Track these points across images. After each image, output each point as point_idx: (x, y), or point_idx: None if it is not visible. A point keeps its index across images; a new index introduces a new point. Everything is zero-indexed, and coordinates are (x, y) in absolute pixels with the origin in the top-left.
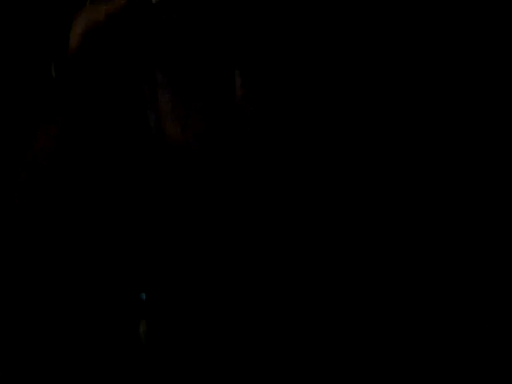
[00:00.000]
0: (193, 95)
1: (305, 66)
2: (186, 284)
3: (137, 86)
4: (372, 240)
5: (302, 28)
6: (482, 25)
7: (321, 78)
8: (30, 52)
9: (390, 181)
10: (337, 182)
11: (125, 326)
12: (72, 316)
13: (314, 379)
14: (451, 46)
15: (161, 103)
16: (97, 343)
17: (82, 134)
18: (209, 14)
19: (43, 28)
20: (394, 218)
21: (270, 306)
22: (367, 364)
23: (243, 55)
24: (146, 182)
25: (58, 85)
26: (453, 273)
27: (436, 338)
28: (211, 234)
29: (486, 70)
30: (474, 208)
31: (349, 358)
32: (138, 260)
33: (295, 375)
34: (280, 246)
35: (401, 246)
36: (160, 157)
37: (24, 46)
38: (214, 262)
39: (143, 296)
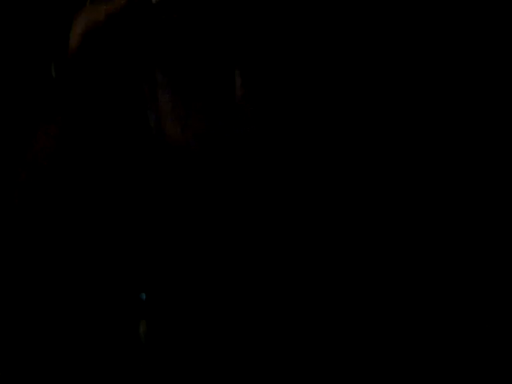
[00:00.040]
0: (193, 95)
1: (304, 66)
2: (186, 284)
3: (137, 86)
4: (372, 239)
5: (301, 28)
6: (482, 25)
7: (321, 78)
8: (30, 52)
9: (389, 180)
10: (336, 182)
11: (125, 325)
12: (72, 316)
13: (315, 379)
14: (451, 46)
15: (161, 103)
16: (97, 343)
17: (82, 134)
18: (208, 13)
19: (43, 28)
20: (394, 217)
21: (270, 306)
22: (367, 364)
23: (243, 55)
24: (146, 182)
25: (58, 84)
26: (452, 272)
27: (436, 337)
28: (211, 233)
29: (486, 70)
30: (474, 207)
31: (349, 358)
32: (138, 260)
33: (295, 375)
34: (280, 245)
35: (400, 245)
36: (160, 156)
37: (24, 47)
38: (213, 261)
39: (143, 296)
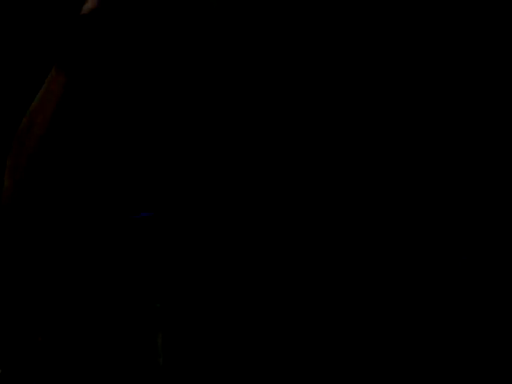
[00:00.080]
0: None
1: (303, 66)
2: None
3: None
4: (371, 239)
5: (297, 28)
6: (482, 25)
7: (317, 78)
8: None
9: (387, 180)
10: (335, 181)
11: (141, 337)
12: (88, 327)
13: (315, 379)
14: (450, 46)
15: None
16: (113, 354)
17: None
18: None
19: None
20: (393, 217)
21: (277, 311)
22: (367, 364)
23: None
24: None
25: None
26: (452, 272)
27: (435, 337)
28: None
29: (486, 70)
30: (474, 207)
31: (348, 358)
32: (152, 271)
33: (300, 376)
34: (280, 247)
35: (399, 245)
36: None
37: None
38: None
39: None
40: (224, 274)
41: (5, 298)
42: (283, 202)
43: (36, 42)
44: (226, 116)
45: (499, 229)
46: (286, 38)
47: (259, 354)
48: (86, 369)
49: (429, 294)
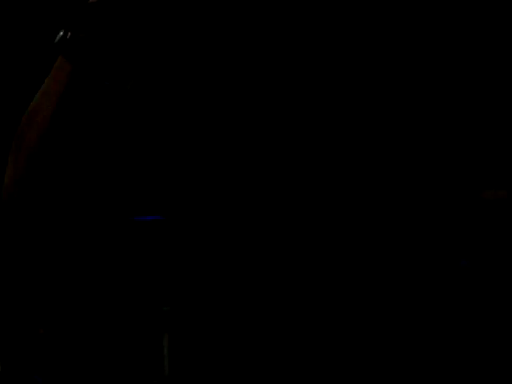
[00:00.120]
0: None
1: (301, 66)
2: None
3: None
4: (369, 239)
5: (297, 28)
6: (482, 25)
7: (316, 79)
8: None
9: (387, 181)
10: (333, 182)
11: (147, 339)
12: (94, 328)
13: (315, 379)
14: (450, 46)
15: None
16: (119, 355)
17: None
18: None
19: None
20: (392, 217)
21: (288, 318)
22: (366, 363)
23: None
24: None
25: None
26: (452, 272)
27: (434, 337)
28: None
29: (485, 70)
30: (473, 207)
31: (348, 358)
32: (160, 273)
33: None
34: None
35: (398, 245)
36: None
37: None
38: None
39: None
40: (229, 278)
41: (6, 296)
42: (284, 203)
43: (36, 42)
44: (226, 117)
45: (498, 232)
46: (285, 38)
47: (264, 357)
48: (92, 369)
49: (428, 296)
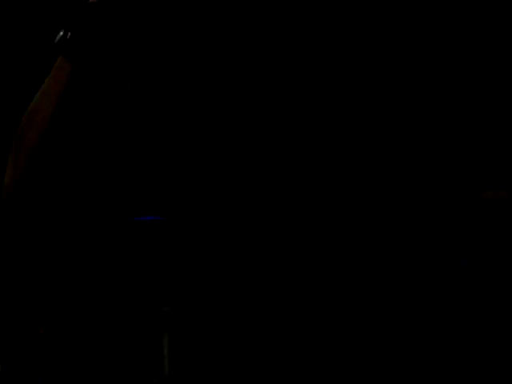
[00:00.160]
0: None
1: (300, 67)
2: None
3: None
4: (369, 239)
5: (296, 28)
6: (482, 25)
7: (316, 79)
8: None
9: (387, 181)
10: (333, 183)
11: (148, 339)
12: (95, 329)
13: (315, 379)
14: (450, 46)
15: None
16: (119, 355)
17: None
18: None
19: None
20: (392, 217)
21: (288, 319)
22: (366, 363)
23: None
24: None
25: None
26: (451, 271)
27: (434, 336)
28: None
29: (485, 70)
30: (474, 207)
31: (348, 358)
32: (160, 273)
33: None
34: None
35: (398, 244)
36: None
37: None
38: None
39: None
40: (229, 278)
41: (6, 296)
42: (284, 203)
43: (36, 42)
44: (226, 118)
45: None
46: (285, 38)
47: (264, 357)
48: (92, 369)
49: (428, 295)
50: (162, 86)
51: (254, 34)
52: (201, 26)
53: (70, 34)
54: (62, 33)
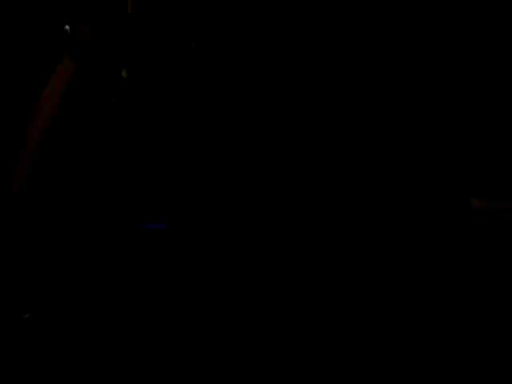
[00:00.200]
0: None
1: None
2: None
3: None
4: (368, 239)
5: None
6: (482, 25)
7: (316, 80)
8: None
9: (383, 180)
10: (331, 182)
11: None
12: (96, 329)
13: (315, 379)
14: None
15: None
16: (120, 355)
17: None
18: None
19: None
20: (391, 217)
21: (272, 309)
22: (366, 363)
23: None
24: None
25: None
26: (451, 271)
27: (434, 337)
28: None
29: (485, 70)
30: (474, 207)
31: (348, 358)
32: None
33: (296, 375)
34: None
35: (398, 245)
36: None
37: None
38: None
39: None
40: (229, 279)
41: (6, 296)
42: (284, 204)
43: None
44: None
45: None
46: (285, 38)
47: (263, 356)
48: (92, 369)
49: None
50: (167, 93)
51: (253, 35)
52: (200, 27)
53: (73, 29)
54: (66, 27)
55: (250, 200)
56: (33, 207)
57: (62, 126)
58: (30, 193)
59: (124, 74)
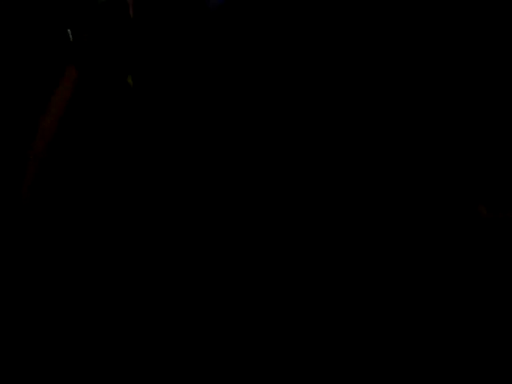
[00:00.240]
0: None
1: (300, 67)
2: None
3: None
4: (369, 239)
5: (297, 28)
6: (482, 25)
7: (316, 80)
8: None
9: (383, 180)
10: (331, 182)
11: (148, 337)
12: (96, 329)
13: (314, 379)
14: (450, 46)
15: None
16: (119, 355)
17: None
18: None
19: None
20: (391, 217)
21: (271, 307)
22: (366, 363)
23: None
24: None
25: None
26: (452, 271)
27: (434, 337)
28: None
29: (485, 70)
30: (474, 206)
31: (348, 358)
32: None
33: (295, 375)
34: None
35: (398, 245)
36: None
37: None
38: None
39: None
40: (228, 278)
41: (6, 296)
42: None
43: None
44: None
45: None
46: (285, 38)
47: (263, 356)
48: (92, 369)
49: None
50: (169, 92)
51: (252, 35)
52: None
53: (74, 34)
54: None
55: (250, 200)
56: (41, 207)
57: (68, 131)
58: (39, 193)
59: (129, 80)
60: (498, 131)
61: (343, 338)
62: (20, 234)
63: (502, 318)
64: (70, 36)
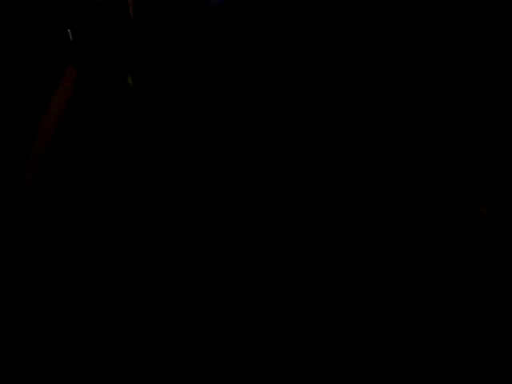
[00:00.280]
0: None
1: (300, 67)
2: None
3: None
4: (369, 239)
5: (298, 28)
6: (482, 25)
7: (315, 78)
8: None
9: (383, 179)
10: (331, 182)
11: (148, 336)
12: (96, 329)
13: (314, 379)
14: (450, 46)
15: None
16: (119, 355)
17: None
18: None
19: None
20: (391, 217)
21: (271, 307)
22: (366, 363)
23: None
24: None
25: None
26: (452, 271)
27: (434, 337)
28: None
29: (485, 70)
30: (473, 206)
31: (348, 358)
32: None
33: (295, 375)
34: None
35: (398, 245)
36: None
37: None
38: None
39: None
40: (225, 275)
41: (6, 296)
42: (283, 202)
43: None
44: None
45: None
46: (285, 38)
47: (263, 356)
48: (92, 369)
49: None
50: (169, 92)
51: (252, 35)
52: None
53: (74, 34)
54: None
55: (250, 200)
56: (41, 207)
57: (68, 131)
58: (39, 193)
59: (129, 80)
60: (498, 131)
61: (343, 338)
62: (20, 233)
63: (502, 317)
64: (70, 36)
